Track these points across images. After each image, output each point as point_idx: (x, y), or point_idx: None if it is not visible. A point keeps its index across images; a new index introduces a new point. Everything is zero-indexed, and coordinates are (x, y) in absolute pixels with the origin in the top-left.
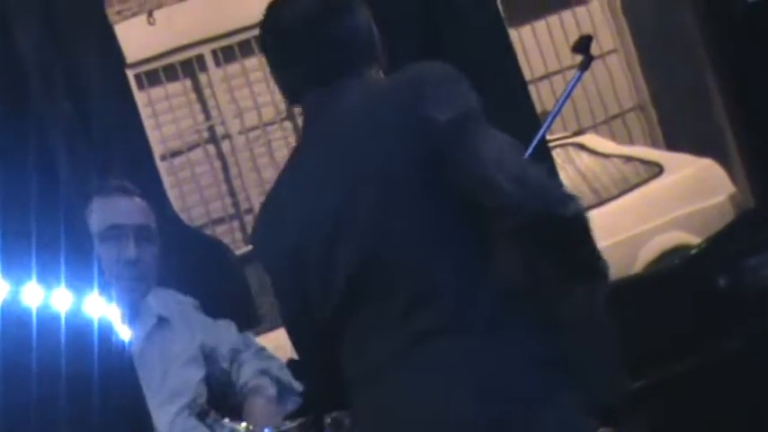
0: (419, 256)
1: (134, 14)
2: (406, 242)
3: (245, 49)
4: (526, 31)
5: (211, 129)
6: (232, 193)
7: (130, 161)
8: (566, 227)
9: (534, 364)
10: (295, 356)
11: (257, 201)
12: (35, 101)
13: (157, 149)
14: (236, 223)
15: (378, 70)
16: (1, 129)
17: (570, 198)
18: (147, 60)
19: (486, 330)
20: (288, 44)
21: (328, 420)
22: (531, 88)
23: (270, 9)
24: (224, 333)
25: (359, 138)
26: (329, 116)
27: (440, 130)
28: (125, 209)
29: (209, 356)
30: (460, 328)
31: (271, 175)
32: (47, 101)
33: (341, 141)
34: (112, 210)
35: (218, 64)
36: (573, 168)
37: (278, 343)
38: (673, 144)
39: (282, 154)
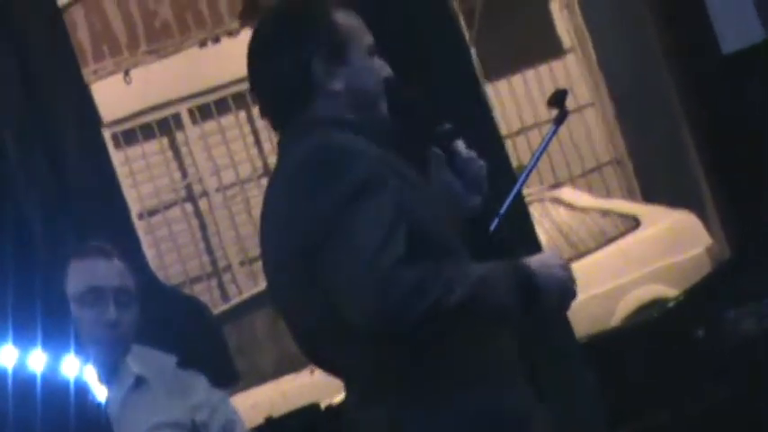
0: (325, 341)
1: (110, 73)
2: (310, 328)
3: (221, 106)
4: (502, 85)
5: (188, 187)
6: (210, 251)
7: (108, 221)
8: (418, 330)
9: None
10: (274, 415)
11: (235, 258)
12: (12, 162)
13: (135, 208)
14: (213, 281)
15: (326, 105)
16: None
17: (417, 295)
18: (124, 119)
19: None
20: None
21: None
22: (508, 143)
23: None
24: (201, 393)
25: (270, 220)
26: (275, 174)
27: (304, 227)
28: (104, 271)
29: (186, 425)
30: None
31: (248, 232)
32: (23, 162)
33: (267, 212)
34: (91, 272)
35: (194, 122)
36: (550, 222)
37: (255, 401)
38: (649, 197)
39: (260, 211)
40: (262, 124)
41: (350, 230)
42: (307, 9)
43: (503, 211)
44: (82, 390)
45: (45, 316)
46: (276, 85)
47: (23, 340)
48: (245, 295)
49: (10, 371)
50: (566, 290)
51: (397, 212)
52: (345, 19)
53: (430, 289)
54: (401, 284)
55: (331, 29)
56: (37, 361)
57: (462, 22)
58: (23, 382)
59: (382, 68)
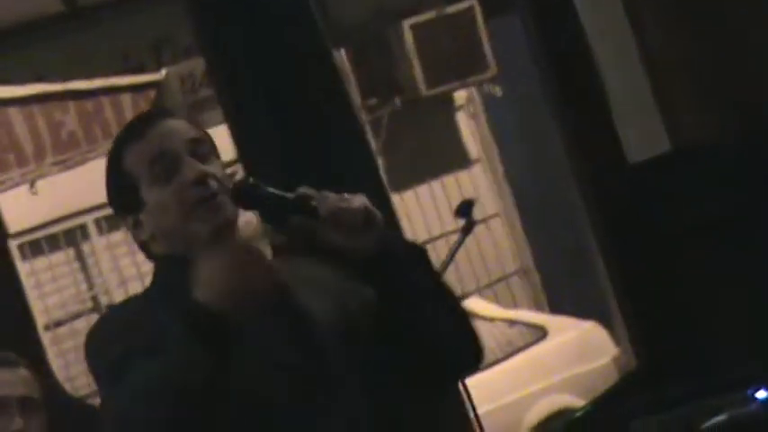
0: None
1: (16, 185)
2: None
3: None
4: (409, 195)
5: (95, 298)
6: None
7: (14, 332)
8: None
9: None
10: None
11: None
12: None
13: (41, 319)
14: None
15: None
16: None
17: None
18: (30, 230)
19: None
20: None
21: None
22: None
23: None
24: None
25: None
26: None
27: None
28: (8, 380)
29: None
30: None
31: None
32: None
33: None
34: None
35: (101, 233)
36: None
37: None
38: (556, 307)
39: None
40: None
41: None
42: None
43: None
44: None
45: None
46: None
47: None
48: None
49: None
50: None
51: None
52: (133, 155)
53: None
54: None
55: (118, 176)
56: None
57: (369, 132)
58: None
59: (190, 172)
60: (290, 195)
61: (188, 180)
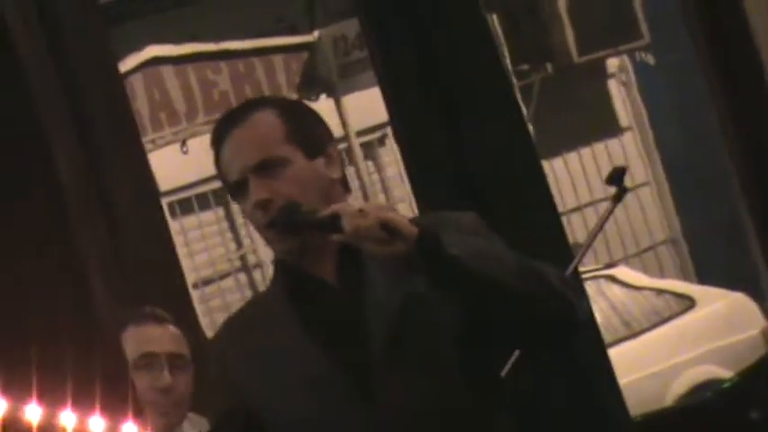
0: None
1: (168, 143)
2: None
3: None
4: (558, 162)
5: (243, 257)
6: None
7: (163, 289)
8: None
9: None
10: None
11: None
12: (73, 230)
13: (190, 278)
14: None
15: None
16: (42, 257)
17: None
18: (181, 189)
19: None
20: None
21: None
22: (564, 220)
23: None
24: None
25: None
26: None
27: None
28: (158, 337)
29: None
30: None
31: None
32: (84, 230)
33: None
34: (145, 338)
35: None
36: (604, 300)
37: None
38: (704, 278)
39: None
40: None
41: None
42: None
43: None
44: None
45: (104, 381)
46: None
47: (82, 405)
48: None
49: None
50: None
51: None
52: (223, 158)
53: None
54: None
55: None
56: (95, 426)
57: (520, 99)
58: None
59: (253, 194)
60: (320, 216)
61: (252, 203)
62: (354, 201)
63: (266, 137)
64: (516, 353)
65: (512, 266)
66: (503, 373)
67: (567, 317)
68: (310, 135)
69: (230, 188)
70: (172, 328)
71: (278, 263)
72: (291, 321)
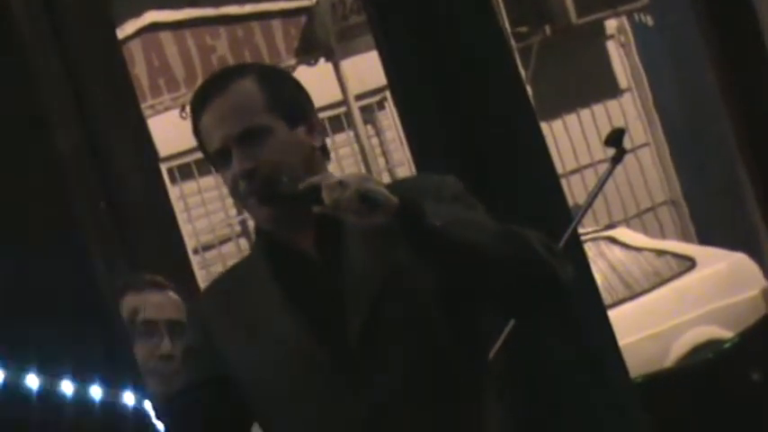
0: None
1: (167, 109)
2: None
3: None
4: (557, 124)
5: (243, 222)
6: None
7: (163, 256)
8: None
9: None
10: None
11: None
12: (70, 195)
13: (190, 243)
14: None
15: None
16: (41, 227)
17: None
18: (180, 154)
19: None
20: None
21: None
22: (563, 182)
23: None
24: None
25: None
26: None
27: None
28: (157, 303)
29: None
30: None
31: None
32: (83, 197)
33: None
34: (145, 305)
35: None
36: (605, 262)
37: None
38: (705, 238)
39: None
40: None
41: None
42: None
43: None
44: (141, 422)
45: (104, 348)
46: None
47: (83, 372)
48: None
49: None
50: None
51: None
52: (204, 127)
53: None
54: None
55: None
56: (96, 393)
57: (519, 61)
58: (83, 415)
59: (237, 164)
60: (300, 187)
61: (236, 173)
62: (352, 168)
63: (248, 106)
64: (502, 338)
65: (493, 233)
66: (490, 356)
67: (549, 282)
68: (291, 103)
69: (211, 157)
70: (172, 295)
71: (259, 232)
72: (273, 293)
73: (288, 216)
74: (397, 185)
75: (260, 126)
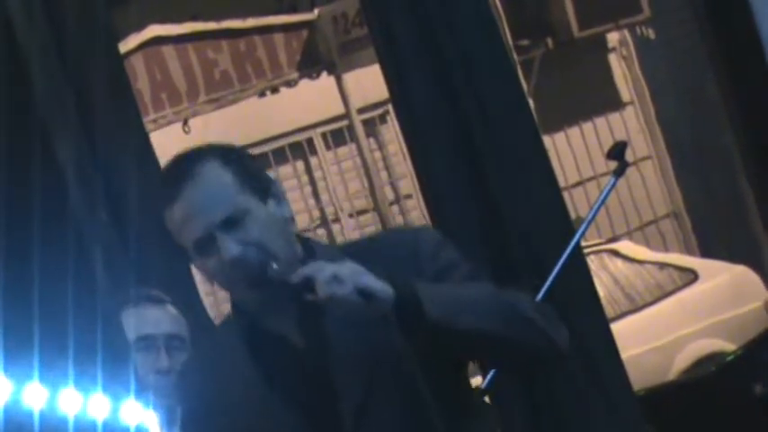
0: None
1: (169, 123)
2: None
3: (278, 156)
4: (560, 137)
5: None
6: None
7: (166, 270)
8: None
9: None
10: None
11: None
12: (73, 209)
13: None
14: None
15: None
16: (42, 239)
17: None
18: None
19: None
20: None
21: None
22: (565, 195)
23: None
24: None
25: None
26: None
27: None
28: (154, 318)
29: None
30: None
31: None
32: (85, 211)
33: None
34: (143, 320)
35: None
36: (607, 275)
37: None
38: (707, 251)
39: None
40: (319, 174)
41: None
42: None
43: (561, 262)
44: None
45: (106, 361)
46: None
47: (84, 384)
48: None
49: (70, 417)
50: None
51: None
52: (178, 217)
53: None
54: None
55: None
56: (98, 406)
57: (521, 74)
58: (84, 427)
59: (224, 253)
60: (294, 278)
61: (225, 261)
62: (355, 181)
63: (223, 190)
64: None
65: (488, 309)
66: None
67: (546, 352)
68: (257, 179)
69: (192, 246)
70: (170, 309)
71: (235, 309)
72: (254, 379)
73: (272, 299)
74: (372, 244)
75: (240, 209)
